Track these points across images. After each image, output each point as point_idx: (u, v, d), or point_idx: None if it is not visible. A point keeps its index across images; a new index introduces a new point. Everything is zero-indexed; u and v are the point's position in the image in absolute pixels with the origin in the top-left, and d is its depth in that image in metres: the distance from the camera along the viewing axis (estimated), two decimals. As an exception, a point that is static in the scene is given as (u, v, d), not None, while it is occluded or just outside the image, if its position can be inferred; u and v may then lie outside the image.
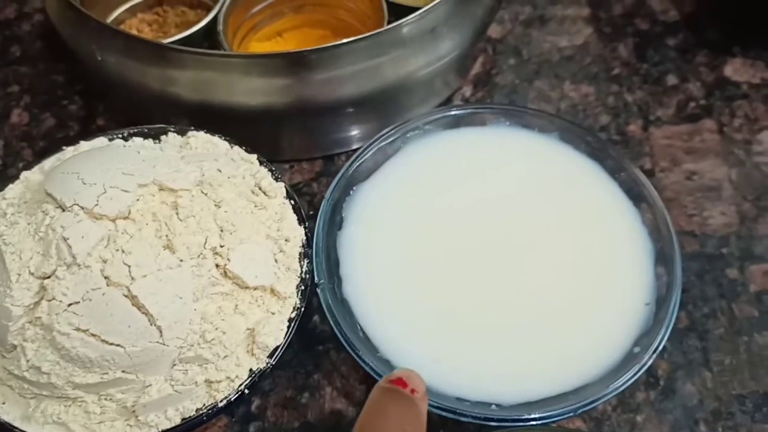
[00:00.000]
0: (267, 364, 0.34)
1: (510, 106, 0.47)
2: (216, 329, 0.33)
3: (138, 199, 0.33)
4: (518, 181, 0.42)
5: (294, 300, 0.36)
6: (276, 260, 0.36)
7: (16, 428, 0.33)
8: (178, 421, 0.33)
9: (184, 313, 0.32)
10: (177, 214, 0.33)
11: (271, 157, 0.44)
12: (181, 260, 0.33)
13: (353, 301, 0.38)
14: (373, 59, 0.43)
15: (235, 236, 0.34)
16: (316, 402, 0.39)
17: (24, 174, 0.38)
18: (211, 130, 0.42)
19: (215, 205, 0.35)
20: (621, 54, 0.56)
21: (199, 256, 0.33)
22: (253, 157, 0.40)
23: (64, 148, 0.40)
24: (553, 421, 0.34)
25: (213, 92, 0.43)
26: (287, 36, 0.53)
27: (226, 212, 0.35)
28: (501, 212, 0.41)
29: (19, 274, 0.31)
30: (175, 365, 0.33)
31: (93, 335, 0.31)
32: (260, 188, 0.38)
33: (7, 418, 0.33)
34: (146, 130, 0.41)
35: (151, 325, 0.31)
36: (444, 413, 0.33)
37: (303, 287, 0.37)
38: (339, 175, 0.41)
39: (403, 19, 0.43)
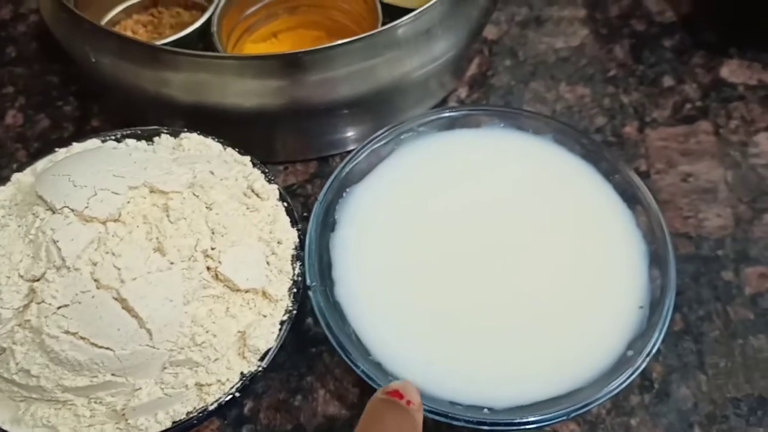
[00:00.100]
0: (258, 367, 0.34)
1: (504, 108, 0.47)
2: (207, 332, 0.33)
3: (128, 202, 0.33)
4: (512, 183, 0.42)
5: (286, 303, 0.36)
6: (268, 263, 0.36)
7: (6, 431, 0.33)
8: (168, 424, 0.33)
9: (175, 316, 0.32)
10: (168, 216, 0.33)
11: (265, 159, 0.44)
12: (172, 263, 0.32)
13: (345, 303, 0.37)
14: (367, 60, 0.43)
15: (227, 239, 0.34)
16: (309, 405, 0.39)
17: (15, 176, 0.38)
18: (206, 131, 0.41)
19: (207, 208, 0.35)
20: (617, 55, 0.56)
21: (189, 258, 0.33)
22: (246, 158, 0.40)
23: (56, 149, 0.40)
24: (547, 425, 0.34)
25: (207, 94, 0.43)
26: (282, 37, 0.53)
27: (217, 214, 0.35)
28: (495, 214, 0.41)
29: (9, 277, 0.31)
30: (165, 368, 0.33)
31: (82, 338, 0.31)
32: (253, 190, 0.38)
33: (-4, 422, 0.33)
34: (139, 132, 0.41)
35: (140, 328, 0.31)
36: (436, 417, 0.33)
37: (295, 290, 0.36)
38: (332, 176, 0.41)
39: (398, 21, 0.43)
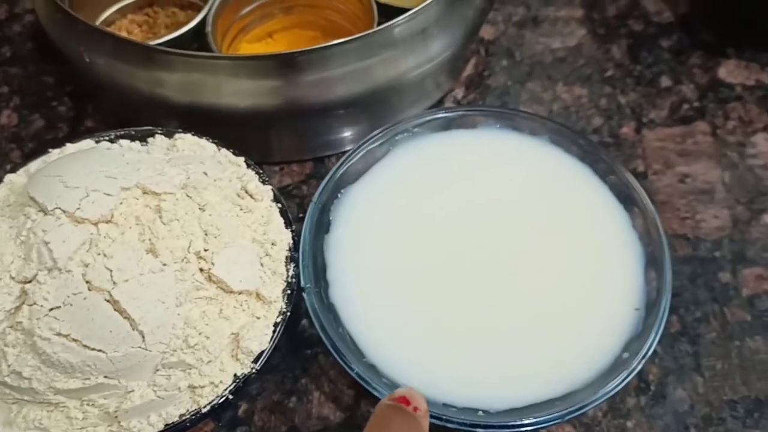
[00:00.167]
0: (252, 369, 0.34)
1: (501, 109, 0.47)
2: (199, 334, 0.33)
3: (121, 203, 0.33)
4: (508, 184, 0.42)
5: (280, 304, 0.36)
6: (262, 264, 0.36)
7: (-2, 433, 0.32)
8: (161, 426, 0.33)
9: (167, 317, 0.32)
10: (160, 217, 0.33)
11: (260, 159, 0.43)
12: (165, 264, 0.32)
13: (340, 305, 0.37)
14: (363, 61, 0.43)
15: (220, 240, 0.34)
16: (303, 406, 0.39)
17: (8, 177, 0.38)
18: (201, 131, 0.41)
19: (200, 209, 0.35)
20: (614, 55, 0.55)
21: (182, 260, 0.33)
22: (241, 159, 0.40)
23: (50, 150, 0.40)
24: (542, 427, 0.34)
25: (201, 94, 0.43)
26: (277, 37, 0.53)
27: (210, 216, 0.35)
28: (490, 215, 0.41)
29: (0, 279, 0.31)
30: (158, 370, 0.32)
31: (74, 340, 0.31)
32: (247, 191, 0.38)
33: (-12, 423, 0.33)
34: (133, 132, 0.41)
35: (133, 330, 0.31)
36: (430, 419, 0.33)
37: (289, 291, 0.36)
38: (327, 177, 0.41)
39: (394, 20, 0.42)
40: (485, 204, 0.41)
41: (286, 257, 0.37)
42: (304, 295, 0.37)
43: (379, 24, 0.46)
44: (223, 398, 0.33)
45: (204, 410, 0.33)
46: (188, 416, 0.33)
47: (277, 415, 0.39)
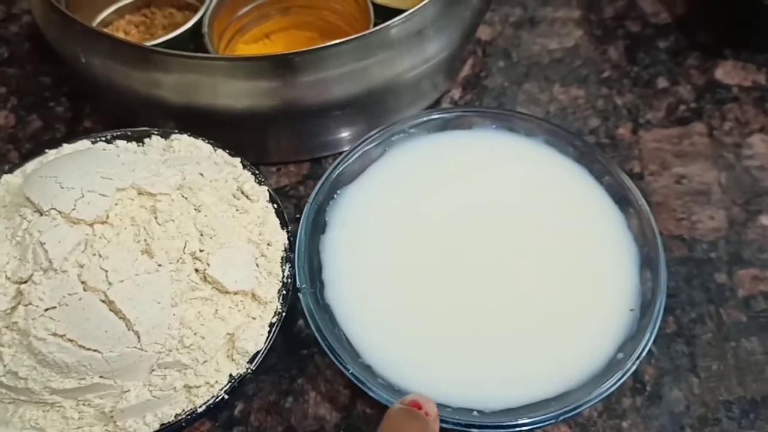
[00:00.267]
0: (247, 369, 0.34)
1: (497, 110, 0.47)
2: (195, 334, 0.33)
3: (116, 204, 0.33)
4: (503, 185, 0.42)
5: (275, 305, 0.36)
6: (257, 265, 0.36)
7: (-6, 434, 0.33)
8: (156, 426, 0.33)
9: (163, 318, 0.32)
10: (156, 218, 0.33)
11: (257, 160, 0.44)
12: (160, 265, 0.32)
13: (335, 305, 0.37)
14: (359, 61, 0.43)
15: (215, 240, 0.34)
16: (299, 407, 0.39)
17: (5, 177, 0.38)
18: (197, 132, 0.41)
19: (195, 210, 0.35)
20: (611, 56, 0.56)
21: (178, 260, 0.33)
22: (237, 160, 0.40)
23: (46, 151, 0.40)
24: (536, 427, 0.34)
25: (198, 95, 0.43)
26: (274, 38, 0.53)
27: (206, 216, 0.35)
28: (486, 216, 0.41)
29: (-5, 279, 0.31)
30: (153, 370, 0.33)
31: (70, 340, 0.31)
32: (242, 192, 0.38)
33: (-16, 423, 0.33)
34: (129, 133, 0.41)
35: (128, 330, 0.31)
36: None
37: (285, 292, 0.36)
38: (323, 178, 0.41)
39: (390, 21, 0.43)
40: (481, 205, 0.41)
41: (282, 258, 0.37)
42: (300, 295, 0.37)
43: (375, 25, 0.46)
44: (219, 398, 0.33)
45: (199, 410, 0.33)
46: (184, 416, 0.33)
47: (274, 416, 0.39)
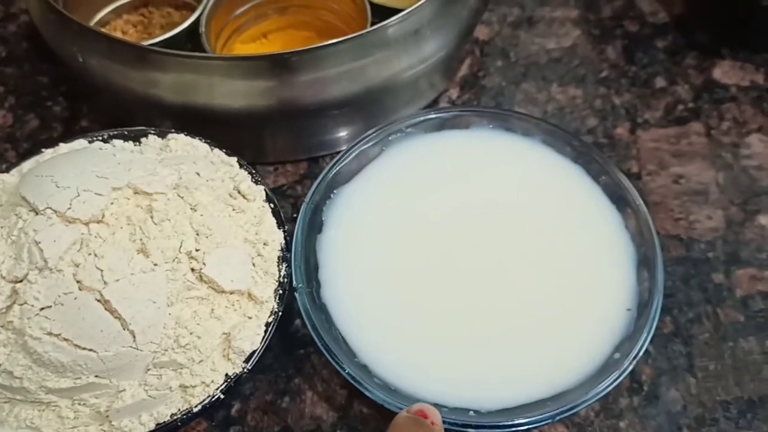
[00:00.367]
0: (243, 368, 0.34)
1: (494, 109, 0.47)
2: (191, 334, 0.33)
3: (112, 203, 0.33)
4: (501, 184, 0.42)
5: (272, 304, 0.36)
6: (254, 264, 0.36)
7: (-10, 433, 0.32)
8: (152, 426, 0.33)
9: (158, 317, 0.32)
10: (152, 217, 0.33)
11: (255, 159, 0.43)
12: (156, 264, 0.32)
13: (332, 305, 0.37)
14: (356, 61, 0.43)
15: (211, 240, 0.34)
16: (296, 406, 0.39)
17: (1, 176, 0.38)
18: (195, 132, 0.41)
19: (191, 209, 0.35)
20: (609, 56, 0.56)
21: (173, 260, 0.33)
22: (233, 159, 0.40)
23: (43, 150, 0.40)
24: (533, 427, 0.34)
25: (195, 94, 0.42)
26: (272, 38, 0.53)
27: (202, 216, 0.35)
28: (483, 216, 0.41)
29: (-9, 278, 0.31)
30: (149, 370, 0.33)
31: (65, 340, 0.31)
32: (239, 191, 0.38)
33: (-21, 423, 0.33)
34: (126, 133, 0.41)
35: (124, 329, 0.31)
36: (421, 419, 0.33)
37: (281, 291, 0.36)
38: (319, 177, 0.41)
39: (387, 21, 0.42)
40: (478, 205, 0.41)
41: (279, 257, 0.37)
42: (296, 295, 0.37)
43: (372, 24, 0.46)
44: (215, 398, 0.33)
45: (195, 410, 0.33)
46: (179, 415, 0.33)
47: (270, 415, 0.39)
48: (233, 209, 0.37)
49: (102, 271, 0.31)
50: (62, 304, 0.30)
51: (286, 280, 0.37)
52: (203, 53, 0.46)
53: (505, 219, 0.41)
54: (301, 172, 0.49)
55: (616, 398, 0.39)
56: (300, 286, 0.37)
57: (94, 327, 0.31)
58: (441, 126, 0.44)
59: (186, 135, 0.41)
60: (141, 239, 0.32)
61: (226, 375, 0.34)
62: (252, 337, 0.34)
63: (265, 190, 0.39)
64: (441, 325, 0.37)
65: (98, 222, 0.32)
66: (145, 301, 0.31)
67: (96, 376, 0.31)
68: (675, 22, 0.58)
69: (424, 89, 0.50)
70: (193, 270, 0.33)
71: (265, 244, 0.37)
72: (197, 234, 0.34)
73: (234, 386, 0.34)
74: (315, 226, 0.40)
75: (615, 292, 0.38)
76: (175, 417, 0.33)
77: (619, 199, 0.41)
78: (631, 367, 0.35)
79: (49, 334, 0.30)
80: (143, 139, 0.41)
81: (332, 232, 0.40)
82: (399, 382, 0.35)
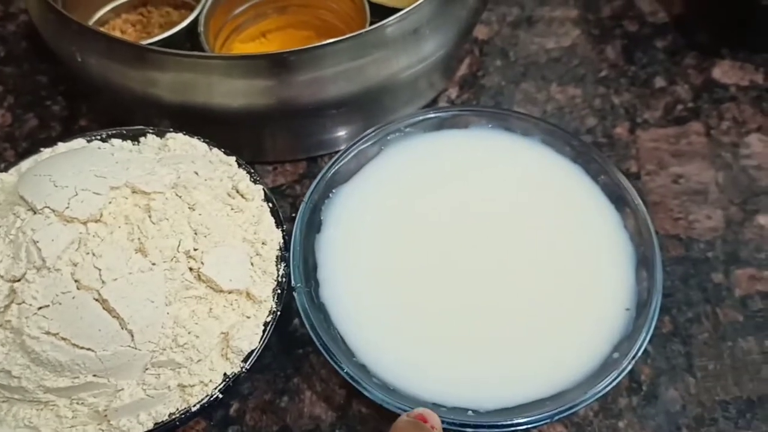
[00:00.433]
0: (241, 368, 0.34)
1: (493, 109, 0.47)
2: (189, 333, 0.33)
3: (110, 202, 0.33)
4: (500, 184, 0.42)
5: (270, 304, 0.36)
6: (252, 264, 0.36)
7: (-12, 432, 0.32)
8: (150, 425, 0.33)
9: (156, 316, 0.32)
10: (150, 217, 0.33)
11: (254, 159, 0.43)
12: (154, 263, 0.32)
13: (330, 305, 0.37)
14: (355, 60, 0.43)
15: (210, 239, 0.34)
16: (295, 406, 0.39)
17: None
18: (194, 131, 0.41)
19: (189, 208, 0.35)
20: (609, 56, 0.55)
21: (172, 259, 0.33)
22: (232, 159, 0.40)
23: (42, 149, 0.40)
24: (531, 427, 0.34)
25: (194, 94, 0.42)
26: (271, 37, 0.53)
27: (200, 215, 0.35)
28: (482, 216, 0.41)
29: (-11, 277, 0.31)
30: (147, 369, 0.32)
31: (63, 339, 0.31)
32: (237, 191, 0.38)
33: (-23, 422, 0.33)
34: (124, 132, 0.41)
35: (122, 328, 0.31)
36: (420, 419, 0.33)
37: (279, 291, 0.36)
38: (318, 177, 0.41)
39: (386, 20, 0.42)
40: (477, 204, 0.41)
41: (277, 257, 0.37)
42: (295, 294, 0.37)
43: (371, 24, 0.46)
44: (213, 397, 0.33)
45: (193, 409, 0.33)
46: (178, 415, 0.33)
47: (269, 415, 0.38)
48: (232, 208, 0.37)
49: (100, 270, 0.31)
50: (60, 304, 0.30)
51: (284, 279, 0.37)
52: (202, 52, 0.46)
53: (504, 219, 0.41)
54: (299, 172, 0.49)
55: (615, 398, 0.39)
56: (298, 285, 0.37)
57: (92, 326, 0.31)
58: (440, 125, 0.44)
59: (184, 134, 0.41)
60: (139, 238, 0.32)
61: (225, 374, 0.34)
62: (250, 337, 0.34)
63: (263, 189, 0.39)
64: (440, 324, 0.37)
65: (96, 221, 0.32)
66: (143, 300, 0.31)
67: (94, 376, 0.32)
68: (674, 22, 0.58)
69: (423, 89, 0.50)
70: (191, 269, 0.33)
71: (263, 243, 0.37)
72: (195, 233, 0.34)
73: (232, 386, 0.34)
74: (314, 225, 0.40)
75: (614, 292, 0.38)
76: (173, 416, 0.33)
77: (618, 199, 0.41)
78: (630, 367, 0.34)
79: (47, 333, 0.30)
80: (142, 139, 0.41)
81: (331, 232, 0.40)
82: (398, 381, 0.35)
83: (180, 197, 0.35)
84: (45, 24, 0.46)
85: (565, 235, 0.40)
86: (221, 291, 0.34)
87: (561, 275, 0.39)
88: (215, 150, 0.41)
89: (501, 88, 0.53)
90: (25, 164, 0.39)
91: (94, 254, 0.31)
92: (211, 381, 0.34)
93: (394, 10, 0.43)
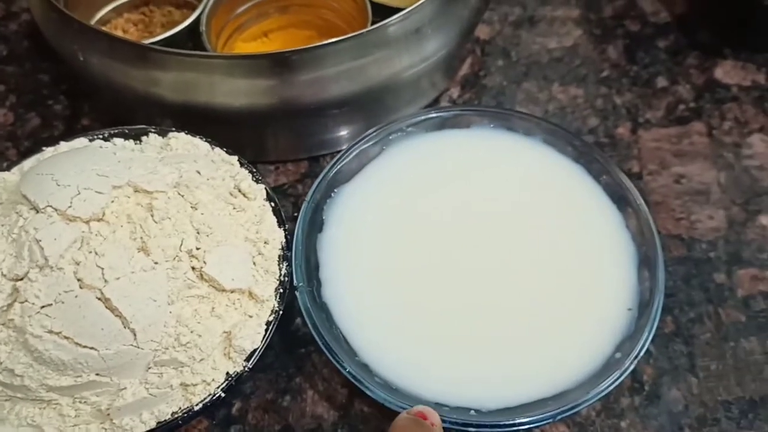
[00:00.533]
0: (244, 367, 0.34)
1: (495, 109, 0.47)
2: (191, 332, 0.33)
3: (112, 201, 0.33)
4: (501, 184, 0.42)
5: (272, 303, 0.36)
6: (254, 263, 0.36)
7: (-10, 431, 0.32)
8: (153, 424, 0.33)
9: (159, 315, 0.32)
10: (152, 216, 0.33)
11: (256, 158, 0.43)
12: (156, 263, 0.32)
13: (332, 304, 0.37)
14: (357, 60, 0.43)
15: (212, 238, 0.34)
16: (297, 405, 0.39)
17: (1, 175, 0.38)
18: (196, 131, 0.41)
19: (192, 207, 0.35)
20: (610, 56, 0.55)
21: (174, 258, 0.33)
22: (234, 158, 0.40)
23: (44, 148, 0.40)
24: (534, 427, 0.34)
25: (196, 93, 0.43)
26: (273, 36, 0.53)
27: (202, 214, 0.34)
28: (484, 216, 0.41)
29: (-8, 276, 0.31)
30: (150, 368, 0.32)
31: (66, 338, 0.31)
32: (240, 190, 0.38)
33: (-20, 421, 0.33)
34: (127, 131, 0.41)
35: (124, 327, 0.31)
36: (422, 418, 0.33)
37: (282, 290, 0.36)
38: (320, 176, 0.41)
39: (387, 20, 0.42)
40: (479, 204, 0.41)
41: (279, 256, 0.37)
42: (297, 293, 0.37)
43: (373, 23, 0.45)
44: (216, 396, 0.33)
45: (196, 408, 0.33)
46: (180, 414, 0.33)
47: (271, 414, 0.39)
48: (234, 208, 0.37)
49: (102, 269, 0.31)
50: (63, 303, 0.30)
51: (286, 278, 0.37)
52: (204, 52, 0.46)
53: (506, 218, 0.41)
54: (301, 171, 0.49)
55: (617, 398, 0.39)
56: (301, 284, 0.37)
57: (94, 325, 0.31)
58: (442, 125, 0.44)
59: (187, 133, 0.41)
60: (141, 237, 0.32)
61: (227, 373, 0.34)
62: (253, 336, 0.34)
63: (265, 188, 0.39)
64: (442, 324, 0.37)
65: (99, 220, 0.32)
66: (145, 299, 0.31)
67: (97, 375, 0.31)
68: (676, 22, 0.58)
69: (425, 88, 0.50)
70: (193, 268, 0.33)
71: (265, 242, 0.37)
72: (198, 232, 0.34)
73: (235, 385, 0.34)
74: (315, 224, 0.40)
75: (616, 292, 0.38)
76: (176, 415, 0.33)
77: (620, 199, 0.41)
78: (632, 367, 0.34)
79: (50, 332, 0.30)
80: (144, 138, 0.41)
81: (333, 231, 0.40)
82: (400, 381, 0.35)
83: (182, 196, 0.35)
84: (47, 23, 0.46)
85: (567, 235, 0.40)
86: (223, 290, 0.34)
87: (563, 275, 0.39)
88: (217, 149, 0.40)
89: (503, 88, 0.53)
90: (28, 163, 0.39)
91: (96, 253, 0.31)
92: (213, 380, 0.34)
93: (396, 10, 0.43)
